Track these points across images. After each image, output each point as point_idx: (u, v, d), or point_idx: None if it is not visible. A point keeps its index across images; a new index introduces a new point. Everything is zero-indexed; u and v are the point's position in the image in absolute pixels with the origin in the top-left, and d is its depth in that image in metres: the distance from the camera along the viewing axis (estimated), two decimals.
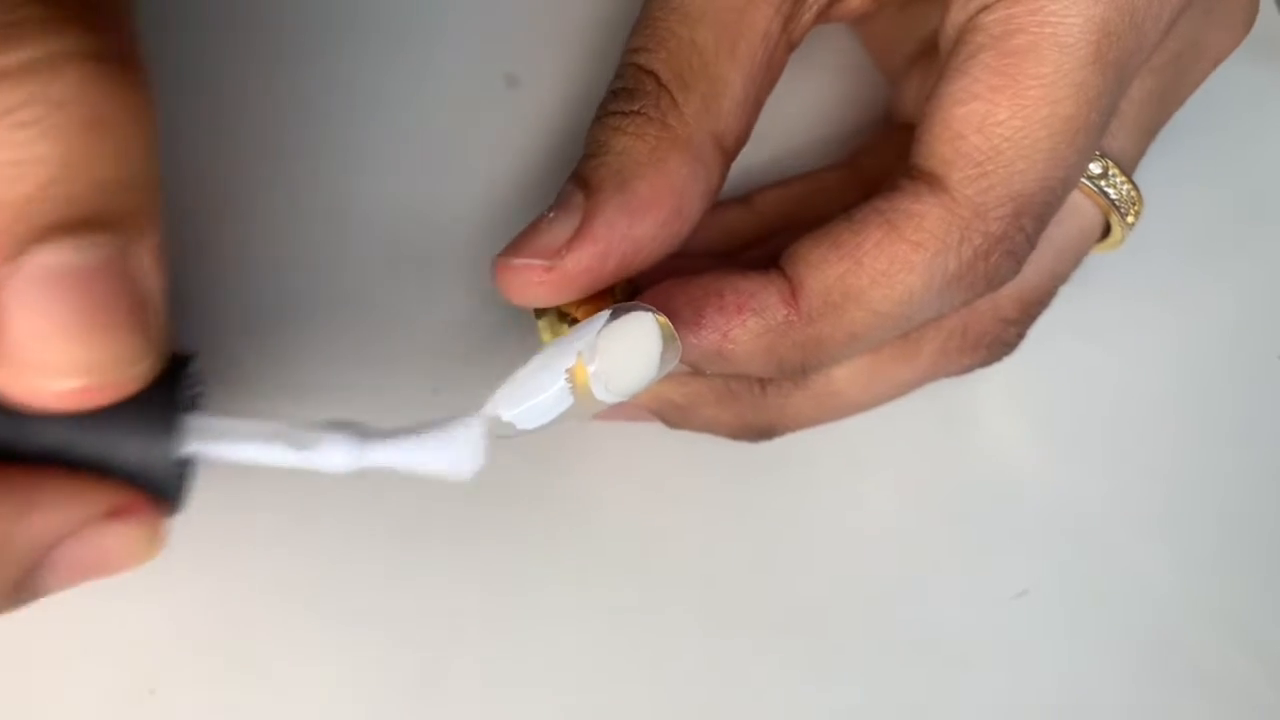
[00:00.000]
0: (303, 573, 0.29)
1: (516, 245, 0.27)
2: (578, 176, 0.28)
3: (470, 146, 0.34)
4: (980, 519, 0.32)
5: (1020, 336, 0.31)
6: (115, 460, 0.21)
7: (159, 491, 0.22)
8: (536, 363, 0.24)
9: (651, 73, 0.29)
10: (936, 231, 0.27)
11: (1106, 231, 0.31)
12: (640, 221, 0.27)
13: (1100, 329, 0.30)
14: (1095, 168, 0.30)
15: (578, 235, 0.27)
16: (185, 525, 0.29)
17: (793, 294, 0.27)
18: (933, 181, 0.27)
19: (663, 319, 0.25)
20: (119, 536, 0.21)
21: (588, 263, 0.26)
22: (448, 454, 0.23)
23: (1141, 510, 0.33)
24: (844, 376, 0.30)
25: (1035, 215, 0.27)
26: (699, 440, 0.30)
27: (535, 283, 0.26)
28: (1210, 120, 0.32)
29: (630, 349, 0.24)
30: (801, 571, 0.31)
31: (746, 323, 0.27)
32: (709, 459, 0.31)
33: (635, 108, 0.29)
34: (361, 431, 0.22)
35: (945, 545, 0.32)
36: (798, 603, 0.30)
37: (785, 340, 0.27)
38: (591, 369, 0.23)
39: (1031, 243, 0.27)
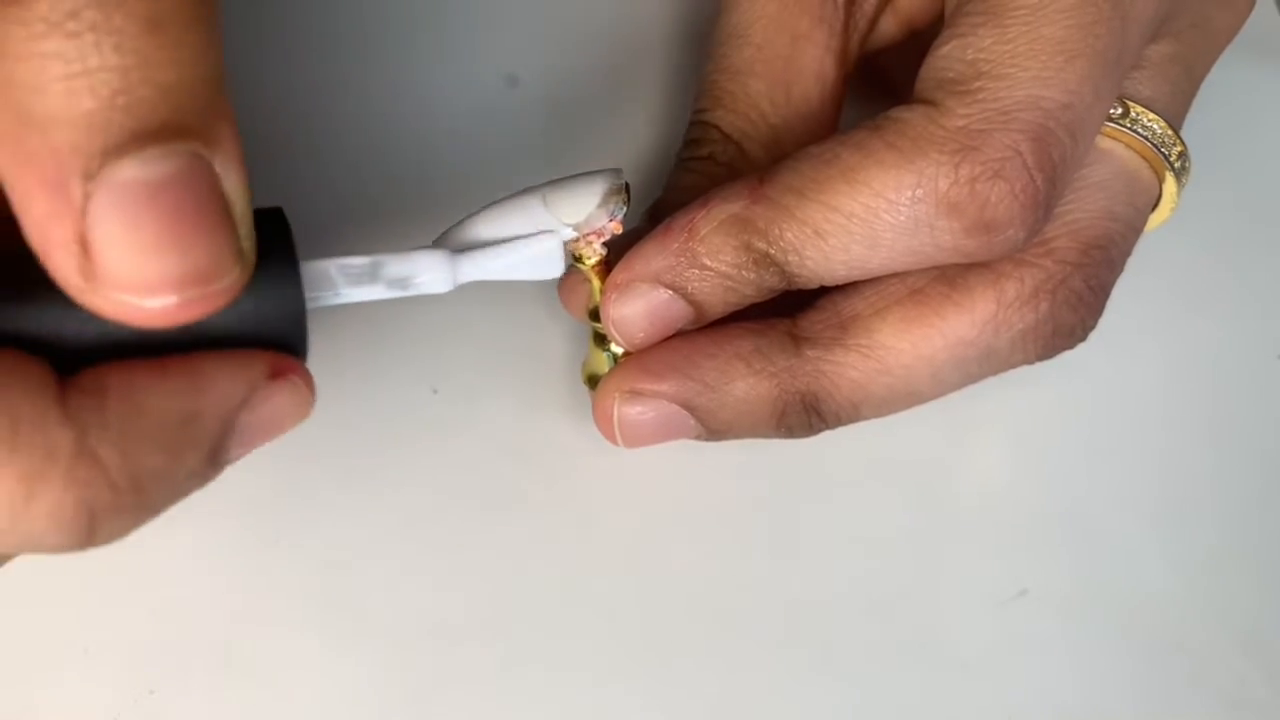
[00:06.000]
0: (303, 574, 0.29)
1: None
2: (650, 208, 0.31)
3: (470, 146, 0.34)
4: (980, 519, 0.32)
5: (1092, 290, 0.29)
6: (247, 327, 0.21)
7: (289, 348, 0.22)
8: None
9: (715, 126, 0.31)
10: (916, 137, 0.26)
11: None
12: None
13: (1100, 328, 0.30)
14: (1115, 109, 0.29)
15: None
16: (185, 525, 0.29)
17: (760, 182, 0.27)
18: (924, 102, 0.27)
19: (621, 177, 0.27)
20: (283, 395, 0.22)
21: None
22: (532, 260, 0.26)
23: (1141, 510, 0.33)
24: (885, 327, 0.28)
25: (1032, 138, 0.26)
26: (699, 443, 0.30)
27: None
28: (1210, 120, 0.32)
29: (579, 184, 0.27)
30: (801, 572, 0.31)
31: (710, 210, 0.27)
32: (709, 461, 0.31)
33: (704, 154, 0.31)
34: (452, 247, 0.25)
35: (945, 545, 0.32)
36: (798, 604, 0.30)
37: (750, 229, 0.27)
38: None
39: (1030, 170, 0.26)
